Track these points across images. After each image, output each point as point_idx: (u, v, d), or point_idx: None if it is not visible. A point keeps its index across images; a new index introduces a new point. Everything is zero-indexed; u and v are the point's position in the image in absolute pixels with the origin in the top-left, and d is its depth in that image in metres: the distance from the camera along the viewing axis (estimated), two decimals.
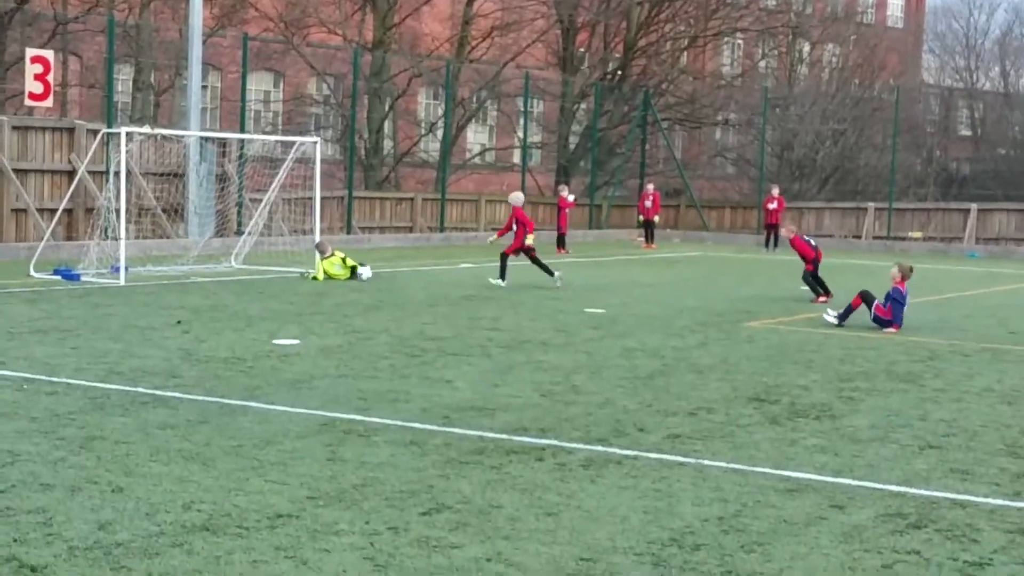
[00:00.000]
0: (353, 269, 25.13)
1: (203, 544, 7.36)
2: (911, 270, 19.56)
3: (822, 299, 23.27)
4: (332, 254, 25.27)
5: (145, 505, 8.13)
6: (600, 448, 10.22)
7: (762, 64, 61.75)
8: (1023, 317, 21.99)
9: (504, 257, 24.89)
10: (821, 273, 24.12)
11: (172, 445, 9.87)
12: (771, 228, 42.31)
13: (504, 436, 10.53)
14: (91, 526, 7.64)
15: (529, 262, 25.07)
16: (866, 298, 19.43)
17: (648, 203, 43.00)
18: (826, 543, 7.78)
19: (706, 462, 9.82)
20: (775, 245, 41.64)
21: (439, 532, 7.73)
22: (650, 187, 44.35)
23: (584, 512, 8.29)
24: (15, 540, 7.31)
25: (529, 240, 24.95)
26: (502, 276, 24.58)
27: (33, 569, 6.82)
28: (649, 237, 42.98)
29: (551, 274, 24.60)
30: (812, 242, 24.72)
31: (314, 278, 24.94)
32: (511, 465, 9.52)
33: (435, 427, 10.82)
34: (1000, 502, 8.90)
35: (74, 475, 8.83)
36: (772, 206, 42.74)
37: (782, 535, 7.92)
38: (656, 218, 43.71)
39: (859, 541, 7.85)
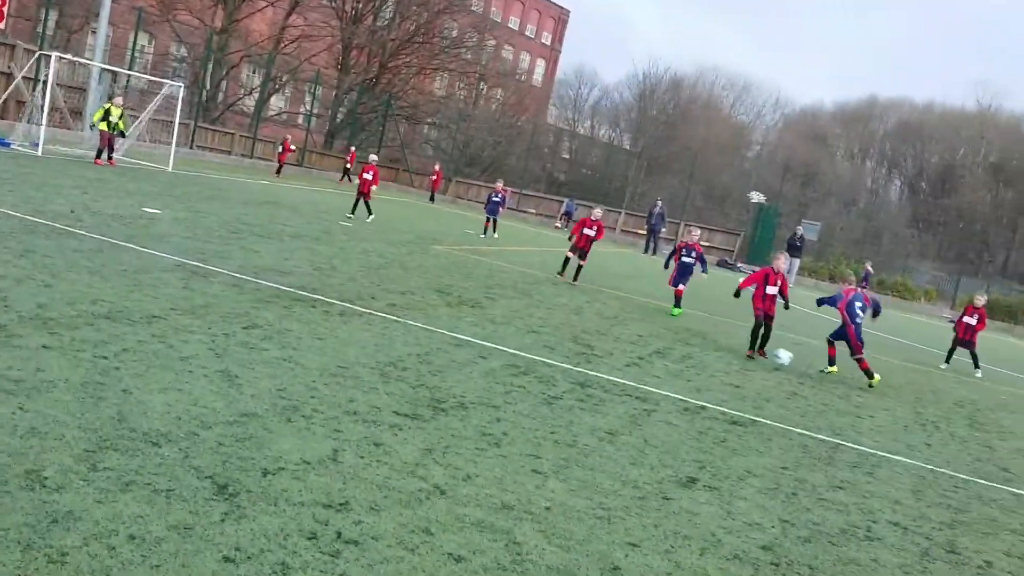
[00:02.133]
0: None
1: (106, 326, 7.28)
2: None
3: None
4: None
5: (67, 297, 7.91)
6: (349, 305, 10.44)
7: (458, 93, 61.86)
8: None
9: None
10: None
11: (80, 262, 9.55)
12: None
13: (291, 290, 10.59)
14: (32, 305, 7.42)
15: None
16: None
17: (368, 175, 39.77)
18: (476, 376, 8.34)
19: (410, 322, 10.21)
20: (432, 200, 41.11)
21: (254, 340, 7.86)
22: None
23: (340, 341, 8.57)
24: None
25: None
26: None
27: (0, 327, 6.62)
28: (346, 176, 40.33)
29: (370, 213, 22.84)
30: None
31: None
32: (296, 307, 9.64)
33: (249, 278, 10.77)
34: (567, 366, 9.69)
35: (18, 272, 8.48)
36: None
37: (452, 369, 8.42)
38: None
39: (493, 377, 8.46)
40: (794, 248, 36.04)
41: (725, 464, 7.18)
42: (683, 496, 6.21)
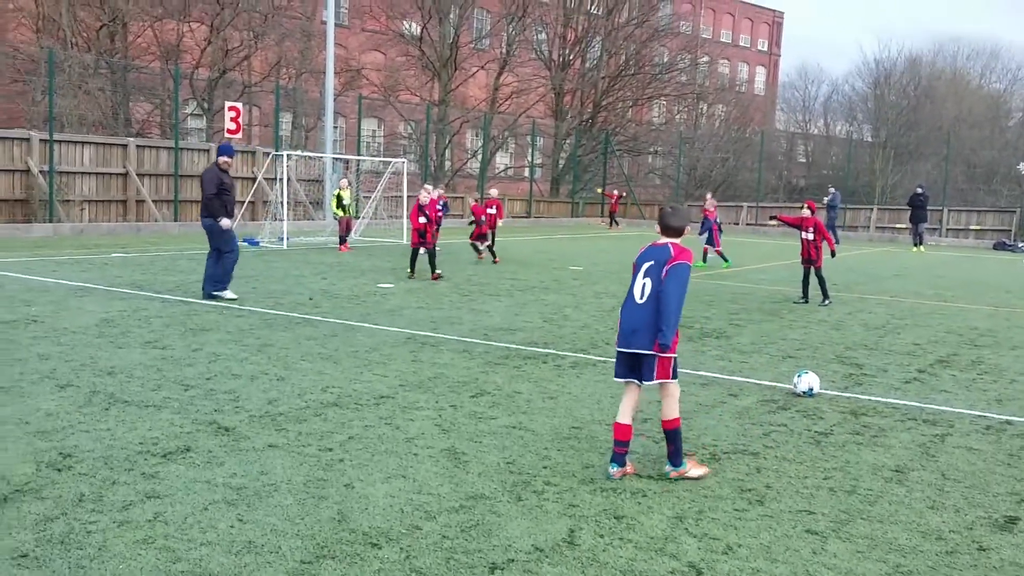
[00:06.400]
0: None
1: (334, 414, 7.10)
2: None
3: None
4: None
5: (297, 389, 7.87)
6: (582, 355, 9.90)
7: (677, 117, 60.70)
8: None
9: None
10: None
11: (314, 350, 9.60)
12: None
13: (521, 347, 10.23)
14: (263, 402, 7.39)
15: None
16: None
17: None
18: (727, 418, 7.48)
19: None
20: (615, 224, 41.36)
21: (482, 408, 7.45)
22: (614, 191, 43.46)
23: (573, 397, 8.00)
24: (215, 410, 7.07)
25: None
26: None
27: (227, 429, 6.57)
28: (612, 222, 41.90)
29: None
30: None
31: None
32: (526, 365, 9.22)
33: (478, 340, 10.52)
34: (834, 392, 8.57)
35: (253, 369, 8.58)
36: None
37: (699, 414, 7.61)
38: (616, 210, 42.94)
39: (748, 417, 7.55)
40: None
41: None
42: (1003, 543, 5.05)
